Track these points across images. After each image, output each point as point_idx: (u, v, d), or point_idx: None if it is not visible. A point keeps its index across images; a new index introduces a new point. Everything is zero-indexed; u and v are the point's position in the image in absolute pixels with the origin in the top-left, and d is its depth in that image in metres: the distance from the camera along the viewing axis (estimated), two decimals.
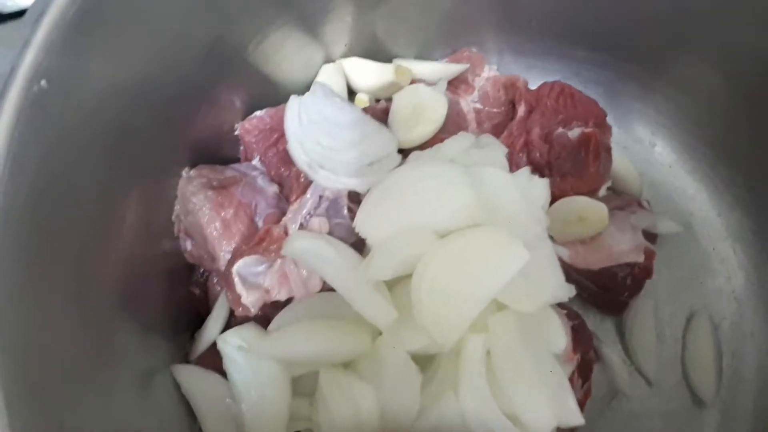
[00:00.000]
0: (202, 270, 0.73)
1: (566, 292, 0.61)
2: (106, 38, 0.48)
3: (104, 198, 0.53)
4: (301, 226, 0.64)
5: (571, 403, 0.60)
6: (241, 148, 0.77)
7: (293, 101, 0.64)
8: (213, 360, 0.67)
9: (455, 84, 0.85)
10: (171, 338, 0.69)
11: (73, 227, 0.48)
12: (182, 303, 0.72)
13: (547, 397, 0.58)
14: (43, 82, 0.41)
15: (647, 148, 0.91)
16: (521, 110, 0.84)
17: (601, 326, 0.84)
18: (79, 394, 0.45)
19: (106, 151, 0.52)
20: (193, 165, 0.69)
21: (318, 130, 0.63)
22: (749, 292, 0.84)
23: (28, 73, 0.40)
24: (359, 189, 0.64)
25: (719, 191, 0.86)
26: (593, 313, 0.84)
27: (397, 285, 0.64)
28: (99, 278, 0.53)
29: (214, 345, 0.68)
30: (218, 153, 0.74)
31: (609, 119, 0.84)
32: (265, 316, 0.67)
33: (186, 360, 0.68)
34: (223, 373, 0.66)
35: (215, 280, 0.71)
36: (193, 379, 0.65)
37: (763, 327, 0.83)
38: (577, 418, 0.59)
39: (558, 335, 0.63)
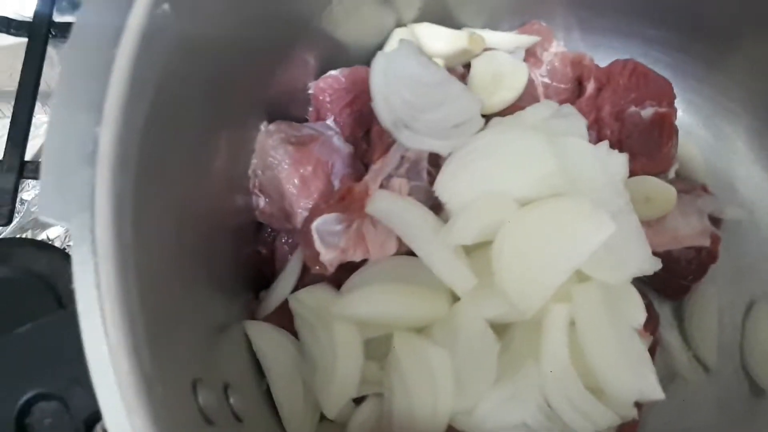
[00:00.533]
0: (270, 230, 0.71)
1: (653, 264, 0.60)
2: None
3: (200, 138, 0.52)
4: (382, 186, 0.63)
5: (652, 378, 0.59)
6: (311, 109, 0.75)
7: (380, 57, 0.62)
8: (281, 320, 0.67)
9: (525, 57, 0.83)
10: (235, 297, 0.68)
11: (177, 162, 0.47)
12: (247, 262, 0.71)
13: (631, 370, 0.57)
14: (166, 6, 0.40)
15: (713, 134, 0.89)
16: (590, 87, 0.83)
17: (660, 310, 0.82)
18: (169, 334, 0.44)
19: (203, 91, 0.51)
20: (269, 121, 0.68)
21: (404, 87, 0.61)
22: None
23: None
24: (442, 151, 0.63)
25: None
26: (652, 297, 0.82)
27: (474, 251, 0.63)
28: (192, 222, 0.52)
29: (281, 306, 0.68)
30: (288, 112, 0.73)
31: (676, 102, 0.83)
32: (336, 279, 0.66)
33: (252, 319, 0.67)
34: (293, 333, 0.66)
35: (283, 240, 0.70)
36: (264, 336, 0.64)
37: None
38: (657, 393, 0.58)
39: (638, 310, 0.62)
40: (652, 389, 0.58)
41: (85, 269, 0.34)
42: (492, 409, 0.59)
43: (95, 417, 0.43)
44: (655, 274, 0.78)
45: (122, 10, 0.40)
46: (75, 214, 0.36)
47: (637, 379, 0.58)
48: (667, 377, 0.80)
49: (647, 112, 0.79)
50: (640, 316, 0.62)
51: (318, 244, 0.61)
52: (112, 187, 0.38)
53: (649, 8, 0.85)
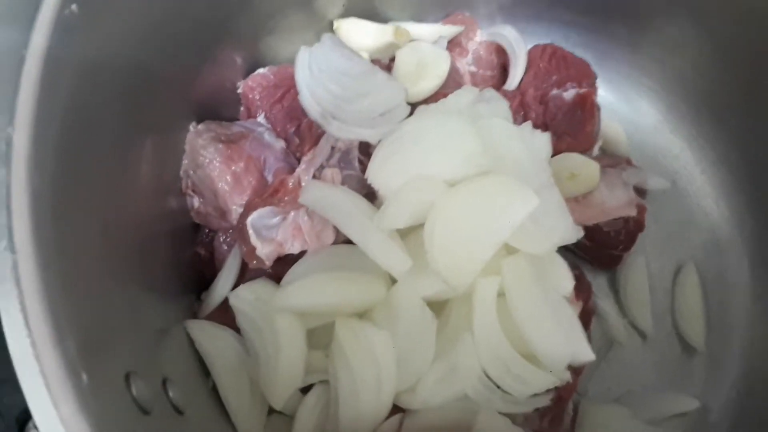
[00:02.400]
0: (207, 230, 0.72)
1: (575, 233, 0.63)
2: None
3: (122, 140, 0.53)
4: (314, 177, 0.64)
5: (583, 341, 0.62)
6: (242, 108, 0.76)
7: (303, 52, 0.64)
8: (223, 318, 0.67)
9: (450, 47, 0.86)
10: (176, 299, 0.68)
11: (97, 164, 0.47)
12: (187, 264, 0.71)
13: (562, 335, 0.60)
14: (74, 6, 0.40)
15: (633, 109, 0.94)
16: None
17: (594, 282, 0.86)
18: (98, 330, 0.44)
19: (124, 93, 0.51)
20: (198, 121, 0.68)
21: (329, 79, 0.63)
22: (732, 245, 0.88)
23: None
24: (370, 139, 0.64)
25: (703, 149, 0.90)
26: (587, 270, 0.86)
27: (409, 235, 0.65)
28: (121, 223, 0.52)
29: (223, 303, 0.68)
30: (219, 113, 0.73)
31: (597, 81, 0.87)
32: (276, 273, 0.67)
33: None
34: (236, 330, 0.66)
35: (221, 239, 0.70)
36: (206, 334, 0.64)
37: (746, 278, 0.87)
38: (588, 354, 0.61)
39: (565, 278, 0.65)
40: (583, 352, 0.61)
41: (3, 265, 0.34)
42: (433, 385, 0.61)
43: (27, 415, 0.43)
44: (587, 246, 0.83)
45: (32, 10, 0.41)
46: None
47: (568, 343, 0.60)
48: (606, 345, 0.84)
49: (569, 93, 0.82)
50: (568, 284, 0.65)
51: (254, 239, 0.62)
52: (28, 186, 0.38)
53: None
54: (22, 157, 0.38)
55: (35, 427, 0.38)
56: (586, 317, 0.75)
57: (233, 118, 0.75)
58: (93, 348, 0.38)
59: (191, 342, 0.64)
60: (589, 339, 0.71)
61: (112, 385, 0.40)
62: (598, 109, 0.85)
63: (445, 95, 0.72)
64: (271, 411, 0.65)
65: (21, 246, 0.35)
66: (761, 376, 0.80)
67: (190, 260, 0.72)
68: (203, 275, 0.72)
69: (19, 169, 0.38)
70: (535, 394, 0.61)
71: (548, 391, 0.62)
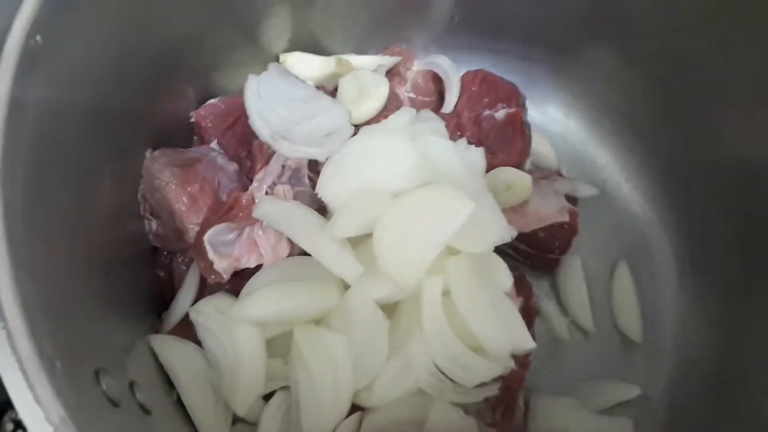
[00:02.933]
0: (165, 252, 0.75)
1: (508, 233, 0.69)
2: (88, 8, 0.52)
3: (83, 168, 0.56)
4: (267, 194, 0.68)
5: (523, 331, 0.67)
6: (195, 137, 0.80)
7: (252, 80, 0.69)
8: (185, 333, 0.70)
9: (390, 76, 0.93)
10: (138, 319, 0.70)
11: (64, 184, 0.51)
12: (148, 286, 0.74)
13: (503, 326, 0.65)
14: (38, 38, 0.44)
15: (562, 127, 1.02)
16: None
17: (537, 285, 0.91)
18: (69, 328, 0.47)
19: (84, 125, 0.55)
20: (154, 149, 0.72)
21: (276, 103, 0.68)
22: (660, 244, 0.95)
23: (25, 28, 0.43)
24: (318, 158, 0.69)
25: (626, 159, 0.98)
26: (529, 274, 0.92)
27: (360, 243, 0.70)
28: (85, 243, 0.55)
29: (184, 319, 0.71)
30: (174, 141, 0.77)
31: (527, 103, 0.95)
32: (233, 289, 0.70)
33: None
34: (197, 343, 0.69)
35: (180, 260, 0.73)
36: (169, 348, 0.67)
37: (674, 274, 0.94)
38: (529, 343, 0.66)
39: (504, 275, 0.70)
40: (523, 340, 0.66)
41: None
42: (389, 381, 0.65)
43: (3, 407, 0.44)
44: (527, 252, 0.89)
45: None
46: None
47: (509, 332, 0.66)
48: (552, 344, 0.89)
49: (500, 113, 0.90)
50: (507, 280, 0.70)
51: (211, 254, 0.65)
52: (1, 199, 0.41)
53: (496, 27, 0.98)
54: None
55: (11, 421, 0.41)
56: (529, 315, 0.80)
57: (187, 146, 0.79)
58: (64, 343, 0.41)
59: (155, 356, 0.66)
60: (535, 338, 0.77)
61: (83, 377, 0.42)
62: (528, 126, 0.93)
63: (386, 116, 0.79)
64: (235, 419, 0.67)
65: None
66: (693, 363, 0.87)
67: (150, 282, 0.74)
68: (163, 297, 0.75)
69: None
70: (483, 384, 0.66)
71: (495, 380, 0.67)
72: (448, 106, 0.93)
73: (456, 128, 0.91)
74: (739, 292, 0.83)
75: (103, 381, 0.44)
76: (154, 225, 0.71)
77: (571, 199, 0.91)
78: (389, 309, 0.68)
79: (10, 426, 0.49)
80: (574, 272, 0.91)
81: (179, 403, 0.65)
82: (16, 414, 0.35)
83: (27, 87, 0.45)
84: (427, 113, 0.79)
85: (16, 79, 0.43)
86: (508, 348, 0.65)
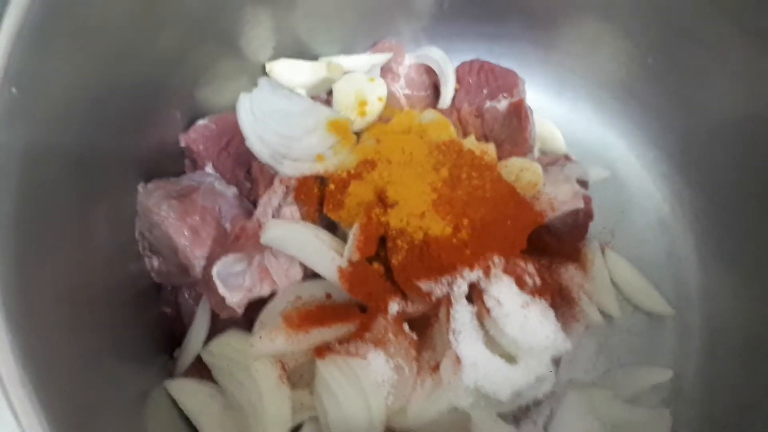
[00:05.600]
0: (169, 288, 0.71)
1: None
2: (62, 49, 0.48)
3: (75, 212, 0.52)
4: (273, 218, 0.64)
5: (558, 332, 0.64)
6: (186, 161, 0.76)
7: (244, 98, 0.65)
8: (201, 372, 0.66)
9: (383, 73, 0.88)
10: (149, 361, 0.67)
11: (57, 233, 0.47)
12: (155, 325, 0.70)
13: (539, 330, 0.62)
14: (13, 90, 0.40)
15: (565, 107, 0.98)
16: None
17: (566, 273, 0.88)
18: (85, 413, 0.44)
19: (70, 166, 0.51)
20: (146, 181, 0.68)
21: (273, 121, 0.64)
22: (676, 221, 0.93)
23: (7, 53, 0.40)
24: (323, 173, 0.65)
25: (635, 136, 0.95)
26: (556, 264, 0.88)
27: None
28: (87, 294, 0.52)
29: (198, 358, 0.67)
30: (165, 169, 0.73)
31: (525, 86, 0.91)
32: (247, 318, 0.66)
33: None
34: (215, 382, 0.65)
35: (186, 295, 0.69)
36: (187, 391, 0.63)
37: (693, 250, 0.92)
38: (566, 344, 0.63)
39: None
40: (561, 342, 0.63)
41: None
42: (422, 401, 0.62)
43: None
44: (546, 242, 0.86)
45: None
46: None
47: (547, 336, 0.62)
48: (577, 332, 0.86)
49: (502, 104, 0.86)
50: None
51: (222, 289, 0.61)
52: None
53: (486, 10, 0.94)
54: None
55: None
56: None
57: (179, 173, 0.74)
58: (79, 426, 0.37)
59: (174, 402, 0.62)
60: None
61: None
62: (531, 112, 0.90)
63: (386, 120, 0.75)
64: None
65: None
66: (721, 338, 0.84)
67: (157, 320, 0.70)
68: (173, 333, 0.71)
69: None
70: (518, 393, 0.63)
71: (530, 389, 0.64)
72: (445, 99, 0.89)
73: (457, 123, 0.87)
74: (763, 262, 0.81)
75: None
76: (155, 262, 0.67)
77: (583, 184, 0.88)
78: (420, 325, 0.65)
79: None
80: (595, 258, 0.88)
81: None
82: None
83: (8, 135, 0.41)
84: (431, 113, 0.75)
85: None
86: (548, 354, 0.62)
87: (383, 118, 0.77)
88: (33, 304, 0.41)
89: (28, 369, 0.36)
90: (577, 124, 0.97)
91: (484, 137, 0.86)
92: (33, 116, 0.44)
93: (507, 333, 0.60)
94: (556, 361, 0.72)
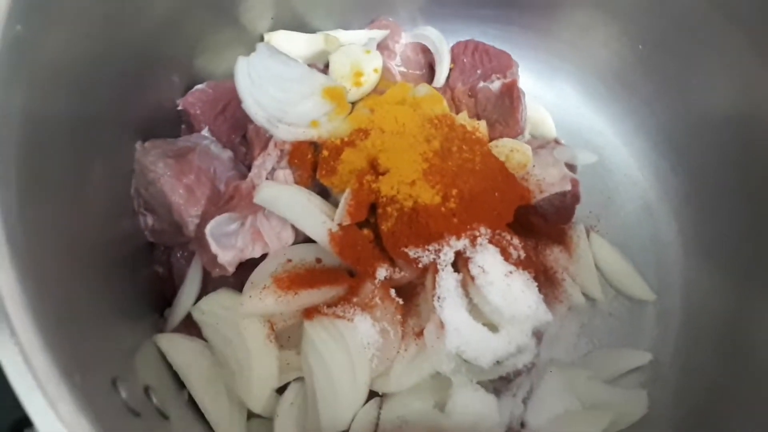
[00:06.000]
0: (162, 248, 0.72)
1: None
2: (58, 13, 0.49)
3: (74, 162, 0.53)
4: (267, 180, 0.65)
5: (540, 304, 0.65)
6: (183, 126, 0.77)
7: (241, 62, 0.66)
8: (190, 330, 0.67)
9: (379, 50, 0.89)
10: (140, 319, 0.68)
11: (55, 183, 0.48)
12: (147, 283, 0.71)
13: (523, 300, 0.64)
14: (18, 27, 0.41)
15: (556, 93, 1.00)
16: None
17: (551, 255, 0.90)
18: (81, 337, 0.45)
19: (72, 119, 0.52)
20: (144, 141, 0.69)
21: (270, 85, 0.65)
22: (661, 208, 0.95)
23: (5, 17, 0.40)
24: (318, 139, 0.66)
25: (623, 123, 0.97)
26: (542, 245, 0.89)
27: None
28: (83, 247, 0.53)
29: (188, 316, 0.68)
30: (162, 131, 0.74)
31: (519, 70, 0.93)
32: (237, 279, 0.67)
33: None
34: (204, 340, 0.66)
35: (178, 255, 0.70)
36: (176, 346, 0.64)
37: (676, 237, 0.94)
38: (546, 315, 0.65)
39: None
40: (542, 314, 0.65)
41: None
42: (405, 366, 0.64)
43: (20, 425, 0.42)
44: (534, 224, 0.88)
45: None
46: None
47: (529, 307, 0.64)
48: (561, 313, 0.88)
49: (495, 84, 0.87)
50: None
51: (214, 247, 0.62)
52: None
53: None
54: None
55: None
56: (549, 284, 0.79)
57: (175, 136, 0.75)
58: (79, 353, 0.38)
59: (163, 356, 0.63)
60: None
61: (103, 388, 0.40)
62: (524, 95, 0.91)
63: (381, 92, 0.76)
64: (250, 415, 0.65)
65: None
66: (701, 324, 0.86)
67: (149, 280, 0.71)
68: (164, 294, 0.72)
69: None
70: (499, 362, 0.64)
71: (511, 358, 0.65)
72: (440, 78, 0.91)
73: (450, 101, 0.89)
74: (744, 251, 0.83)
75: (121, 390, 0.42)
76: (150, 220, 0.68)
77: (571, 167, 0.90)
78: (406, 293, 0.66)
79: None
80: (579, 241, 0.90)
81: (191, 403, 0.63)
82: None
83: (8, 94, 0.42)
84: (424, 87, 0.76)
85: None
86: (530, 324, 0.63)
87: (378, 90, 0.78)
88: (35, 250, 0.42)
89: (35, 314, 0.37)
90: (567, 110, 0.99)
91: (477, 117, 0.88)
92: (33, 71, 0.45)
93: (490, 300, 0.62)
94: (539, 337, 0.73)
